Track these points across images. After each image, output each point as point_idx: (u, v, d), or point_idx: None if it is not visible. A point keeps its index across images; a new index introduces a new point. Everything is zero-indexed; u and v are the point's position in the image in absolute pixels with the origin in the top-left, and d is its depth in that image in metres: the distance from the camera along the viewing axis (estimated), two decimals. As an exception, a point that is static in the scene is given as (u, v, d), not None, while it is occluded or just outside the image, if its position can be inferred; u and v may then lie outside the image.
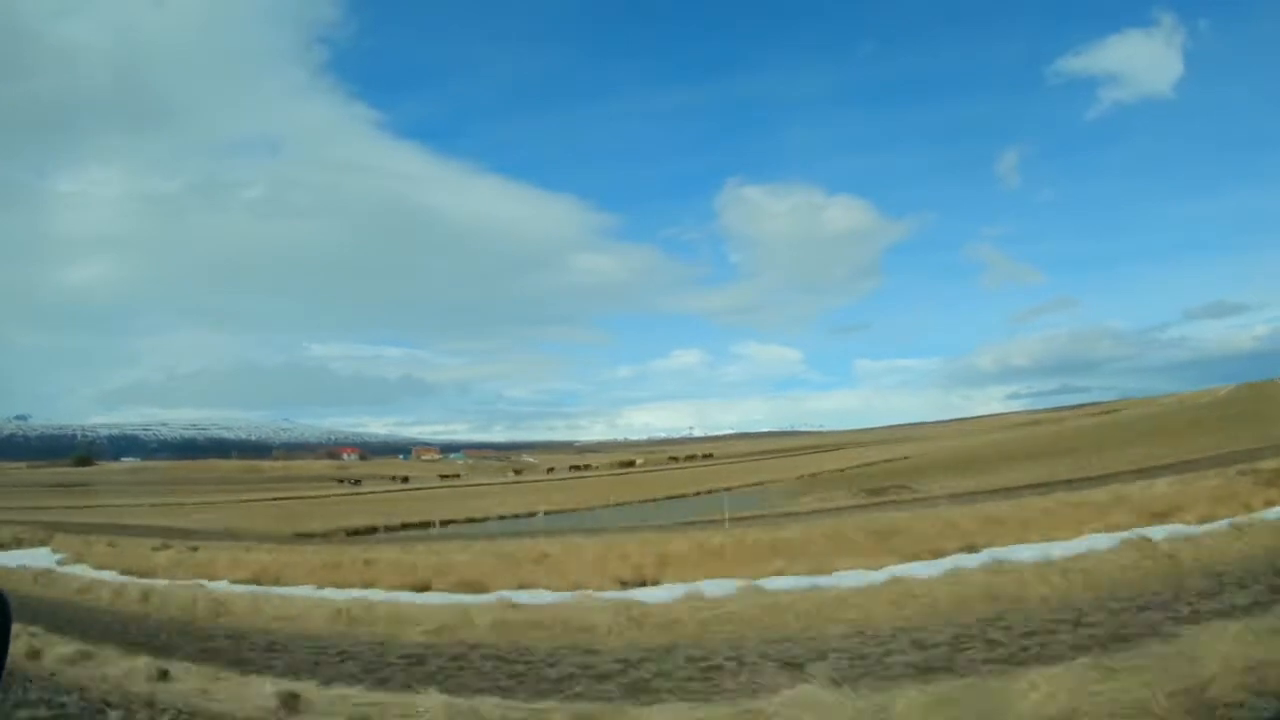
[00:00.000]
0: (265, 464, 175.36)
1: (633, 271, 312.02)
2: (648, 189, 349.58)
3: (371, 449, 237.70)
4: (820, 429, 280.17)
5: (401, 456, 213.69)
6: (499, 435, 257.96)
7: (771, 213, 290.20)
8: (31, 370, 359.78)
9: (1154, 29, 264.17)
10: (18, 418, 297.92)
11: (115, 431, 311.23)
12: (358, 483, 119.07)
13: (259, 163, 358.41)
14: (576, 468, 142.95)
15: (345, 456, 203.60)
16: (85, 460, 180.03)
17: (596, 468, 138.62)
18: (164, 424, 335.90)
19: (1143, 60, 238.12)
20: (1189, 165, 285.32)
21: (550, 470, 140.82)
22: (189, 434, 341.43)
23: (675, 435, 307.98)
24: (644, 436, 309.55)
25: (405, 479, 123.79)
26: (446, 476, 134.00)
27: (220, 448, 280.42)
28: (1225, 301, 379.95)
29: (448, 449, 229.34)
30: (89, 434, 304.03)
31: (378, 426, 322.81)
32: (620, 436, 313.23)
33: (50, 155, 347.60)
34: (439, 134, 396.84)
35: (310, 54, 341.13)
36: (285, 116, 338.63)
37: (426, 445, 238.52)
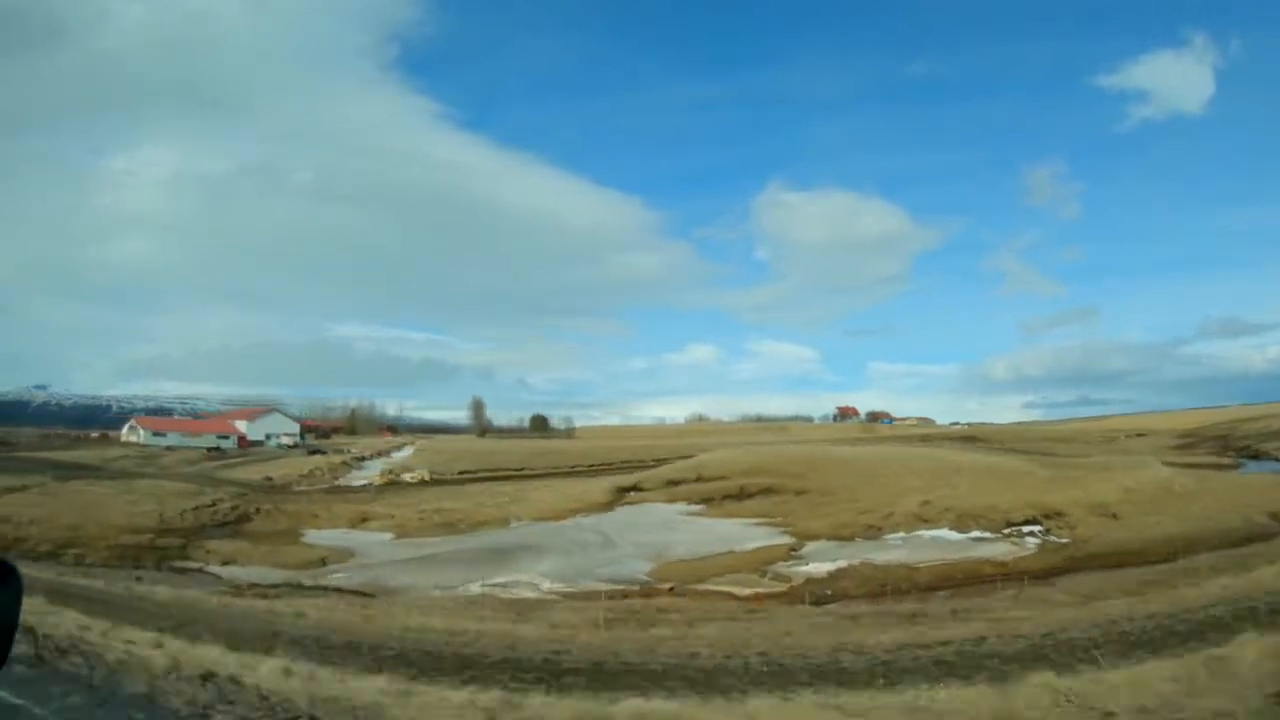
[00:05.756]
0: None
1: (667, 268, 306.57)
2: (690, 187, 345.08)
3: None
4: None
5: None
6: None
7: (808, 216, 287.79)
8: (50, 341, 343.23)
9: (1185, 49, 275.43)
10: (37, 387, 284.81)
11: (152, 404, 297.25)
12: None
13: (313, 150, 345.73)
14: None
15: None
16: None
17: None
18: (200, 398, 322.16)
19: (1174, 79, 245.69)
20: (1215, 181, 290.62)
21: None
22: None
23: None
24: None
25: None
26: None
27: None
28: (1240, 320, 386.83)
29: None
30: (124, 405, 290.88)
31: (392, 407, 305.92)
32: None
33: (110, 134, 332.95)
34: (497, 126, 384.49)
35: (383, 50, 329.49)
36: (348, 107, 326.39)
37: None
